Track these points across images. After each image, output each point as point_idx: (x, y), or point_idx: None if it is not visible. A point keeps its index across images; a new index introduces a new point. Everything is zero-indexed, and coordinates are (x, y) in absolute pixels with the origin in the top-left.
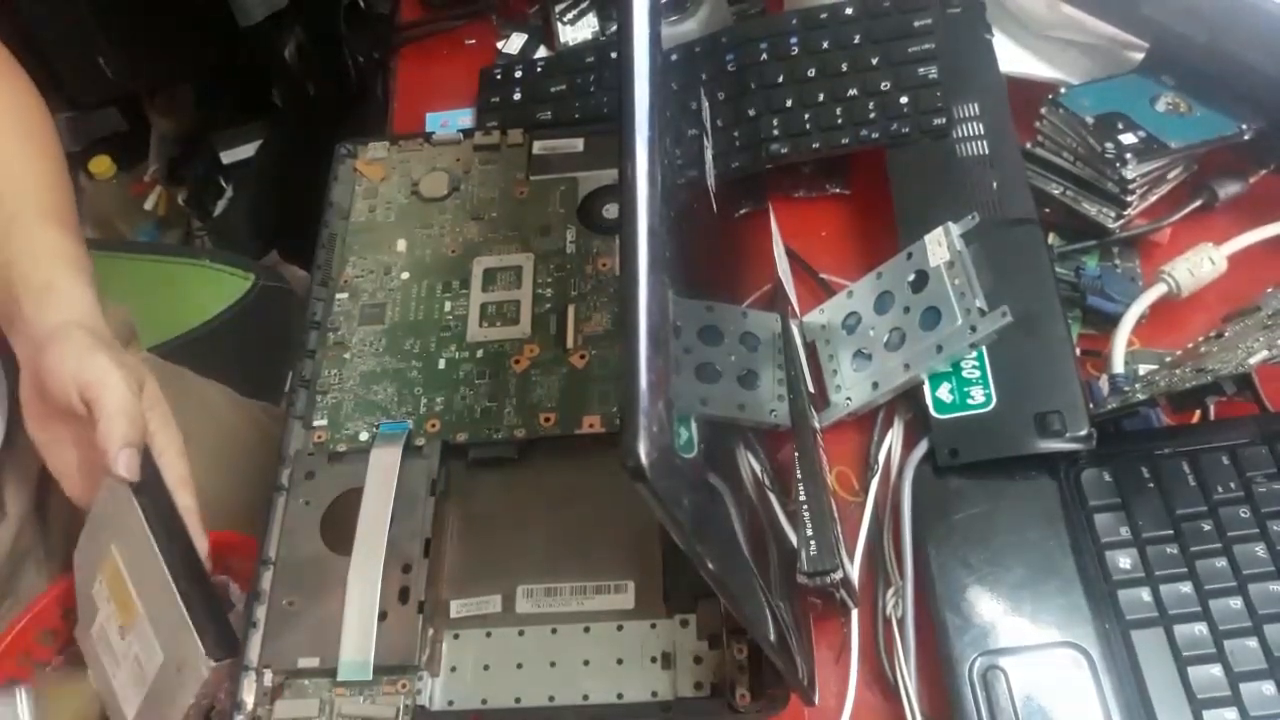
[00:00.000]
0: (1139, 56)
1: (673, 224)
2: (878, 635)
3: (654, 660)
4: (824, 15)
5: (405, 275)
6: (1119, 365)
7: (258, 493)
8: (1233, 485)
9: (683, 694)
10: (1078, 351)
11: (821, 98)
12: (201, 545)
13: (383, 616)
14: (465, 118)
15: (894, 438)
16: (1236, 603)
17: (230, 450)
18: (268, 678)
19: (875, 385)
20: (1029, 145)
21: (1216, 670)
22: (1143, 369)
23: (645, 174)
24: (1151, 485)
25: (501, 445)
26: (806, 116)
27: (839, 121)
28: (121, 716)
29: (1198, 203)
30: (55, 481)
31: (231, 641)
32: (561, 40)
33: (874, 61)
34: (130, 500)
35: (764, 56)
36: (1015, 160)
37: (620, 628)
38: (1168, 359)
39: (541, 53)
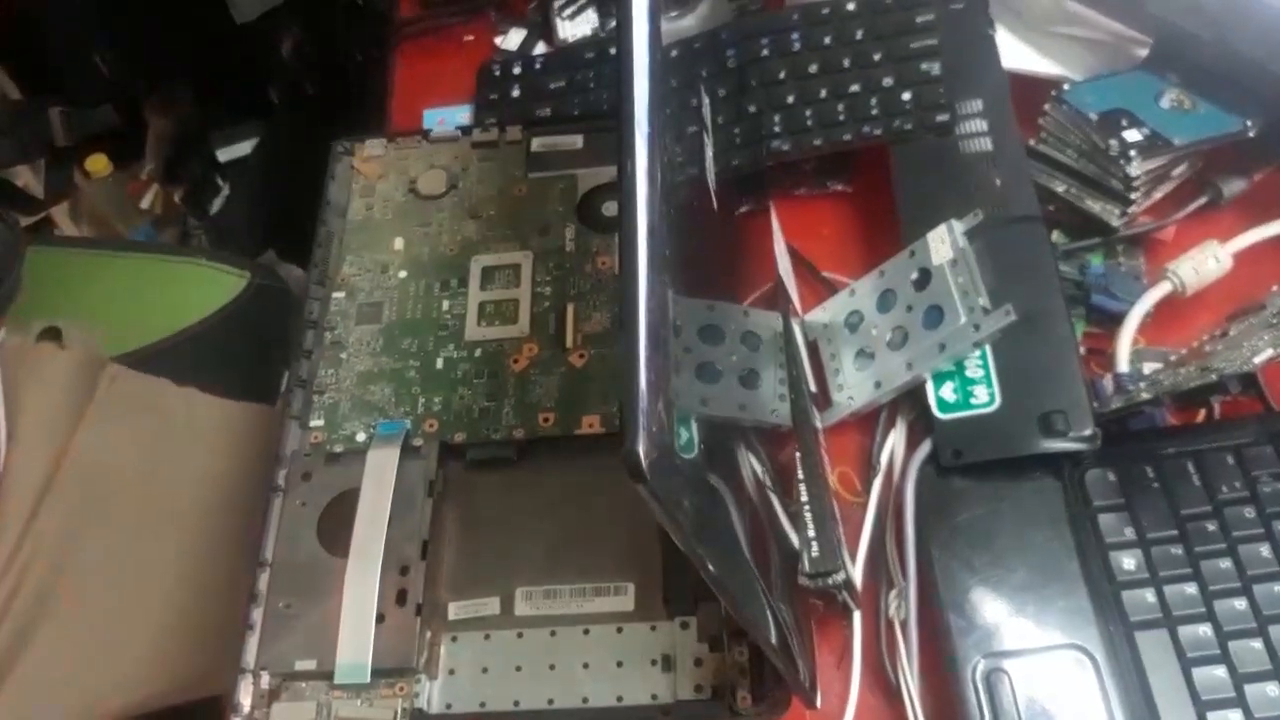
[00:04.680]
0: (1143, 53)
1: (673, 222)
2: (880, 637)
3: (654, 663)
4: (826, 10)
5: (403, 274)
6: (1123, 364)
7: (248, 501)
8: (1238, 485)
9: (683, 697)
10: (1082, 350)
11: (823, 94)
12: None
13: (380, 619)
14: (463, 115)
15: (896, 438)
16: (1241, 604)
17: (213, 461)
18: (265, 680)
19: (878, 384)
20: (1032, 142)
21: (1221, 672)
22: (1147, 368)
23: (645, 171)
24: (1156, 485)
25: (500, 445)
26: (808, 113)
27: (841, 118)
28: None
29: (1202, 200)
30: None
31: None
32: (560, 36)
33: (876, 57)
34: None
35: (765, 52)
36: (1019, 157)
37: (620, 630)
38: (1172, 358)
39: (540, 49)
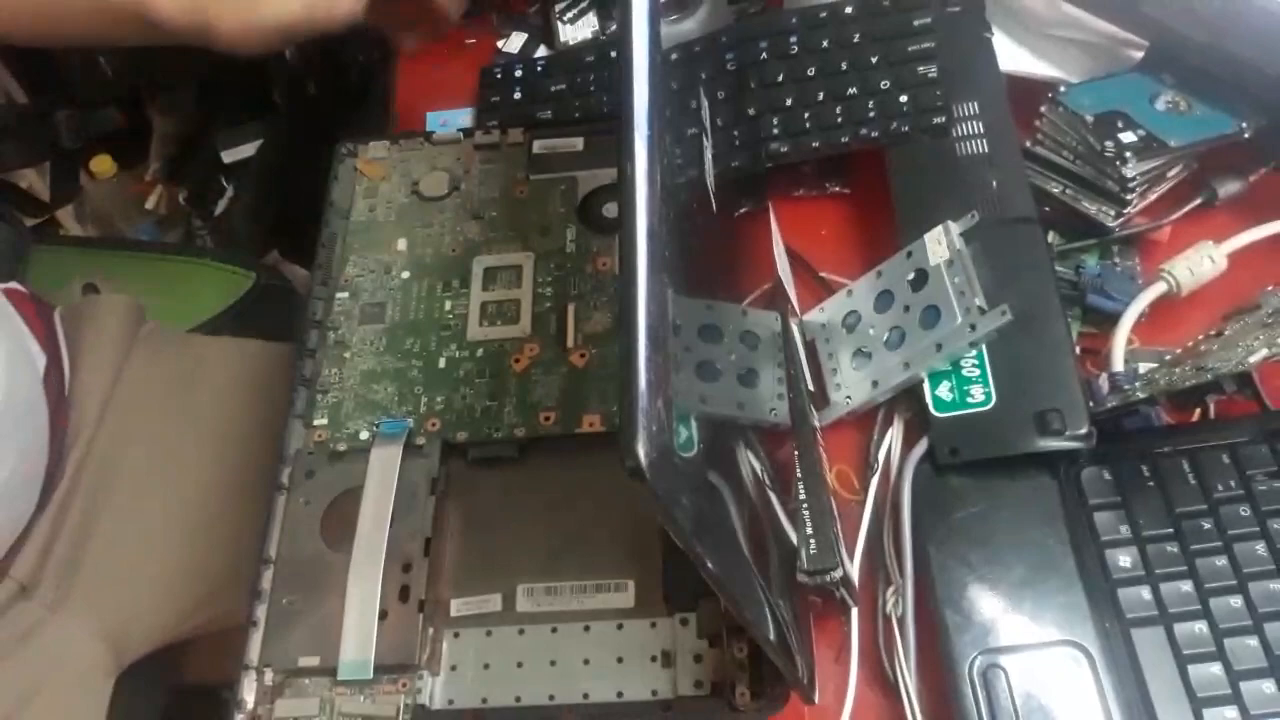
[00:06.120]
0: (1139, 55)
1: (672, 223)
2: (878, 634)
3: (654, 659)
4: (824, 14)
5: (406, 274)
6: (1119, 363)
7: (261, 435)
8: (1233, 483)
9: (683, 693)
10: (1077, 350)
11: (821, 96)
12: None
13: (383, 615)
14: (465, 117)
15: (894, 436)
16: (1236, 601)
17: (234, 395)
18: (268, 676)
19: (875, 384)
20: (1029, 144)
21: (1216, 668)
22: (1143, 367)
23: (645, 173)
24: (1151, 484)
25: (501, 444)
26: (806, 115)
27: (839, 120)
28: None
29: (1198, 201)
30: None
31: None
32: (561, 39)
33: (874, 60)
34: None
35: (764, 55)
36: (1015, 159)
37: (620, 626)
38: (1168, 357)
39: (541, 52)
